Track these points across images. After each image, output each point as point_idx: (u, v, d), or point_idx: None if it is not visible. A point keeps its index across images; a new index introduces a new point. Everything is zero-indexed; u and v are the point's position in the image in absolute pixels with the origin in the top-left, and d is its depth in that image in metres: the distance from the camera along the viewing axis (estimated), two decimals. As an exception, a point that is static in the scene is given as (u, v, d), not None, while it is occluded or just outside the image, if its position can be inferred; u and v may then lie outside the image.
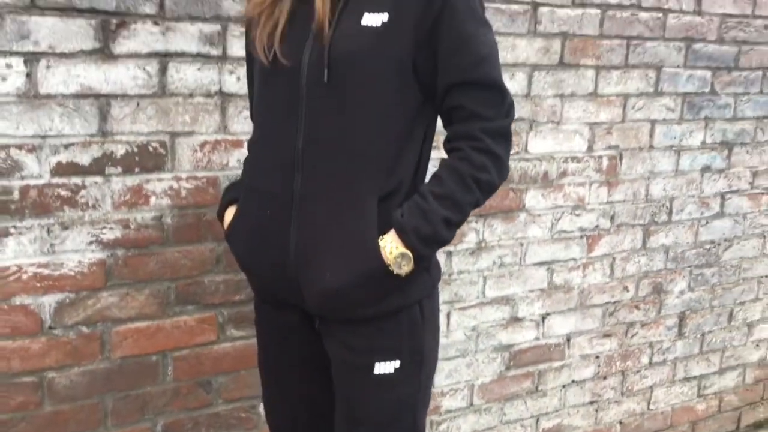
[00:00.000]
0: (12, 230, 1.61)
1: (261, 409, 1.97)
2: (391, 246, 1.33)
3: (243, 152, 1.78)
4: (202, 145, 1.77)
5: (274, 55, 1.34)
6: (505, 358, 2.40)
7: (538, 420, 2.52)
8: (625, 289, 2.58)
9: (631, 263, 2.57)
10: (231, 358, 1.92)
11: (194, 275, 1.82)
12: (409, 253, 1.33)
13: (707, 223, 2.71)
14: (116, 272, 1.73)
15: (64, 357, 1.71)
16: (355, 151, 1.33)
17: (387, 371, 1.42)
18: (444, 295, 2.19)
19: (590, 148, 2.37)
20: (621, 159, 2.45)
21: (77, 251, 1.68)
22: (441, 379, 2.28)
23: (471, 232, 2.22)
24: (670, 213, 2.61)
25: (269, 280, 1.46)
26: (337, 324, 1.43)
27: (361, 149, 1.33)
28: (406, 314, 1.41)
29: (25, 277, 1.64)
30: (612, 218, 2.48)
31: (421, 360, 1.45)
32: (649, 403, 2.77)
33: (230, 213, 1.51)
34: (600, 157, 2.40)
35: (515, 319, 2.38)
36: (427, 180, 1.41)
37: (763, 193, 2.82)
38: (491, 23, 1.39)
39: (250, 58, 1.51)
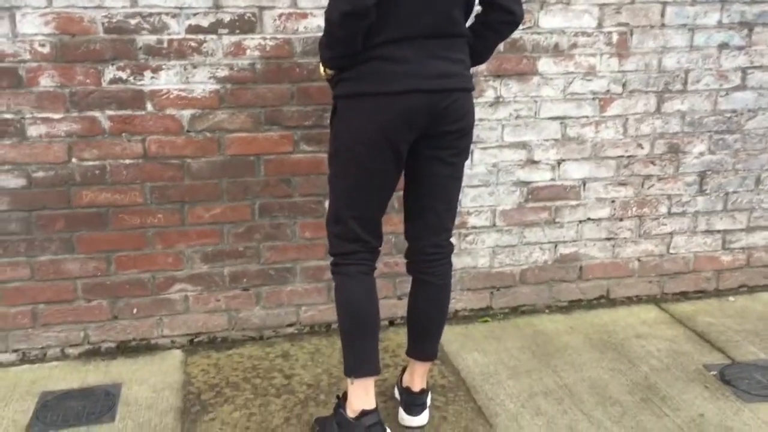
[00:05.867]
0: (164, 66, 2.65)
1: (326, 203, 2.89)
2: None
3: (308, 22, 2.67)
4: (280, 15, 2.67)
5: None
6: (523, 192, 3.08)
7: (556, 246, 3.18)
8: (640, 146, 3.12)
9: (645, 124, 3.09)
10: (303, 164, 2.85)
11: (276, 105, 2.76)
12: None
13: (727, 94, 3.12)
14: (226, 99, 2.72)
15: (196, 150, 2.75)
16: None
17: None
18: (467, 135, 2.93)
19: (600, 25, 2.93)
20: (632, 35, 2.96)
21: (202, 83, 2.69)
22: (467, 201, 3.04)
23: (489, 89, 2.92)
24: (685, 83, 3.07)
25: None
26: None
27: None
28: None
29: (171, 96, 2.68)
30: (624, 84, 3.02)
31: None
32: (668, 248, 3.29)
33: None
34: (610, 32, 2.95)
35: (532, 162, 3.05)
36: None
37: (791, 70, 3.14)
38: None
39: None
